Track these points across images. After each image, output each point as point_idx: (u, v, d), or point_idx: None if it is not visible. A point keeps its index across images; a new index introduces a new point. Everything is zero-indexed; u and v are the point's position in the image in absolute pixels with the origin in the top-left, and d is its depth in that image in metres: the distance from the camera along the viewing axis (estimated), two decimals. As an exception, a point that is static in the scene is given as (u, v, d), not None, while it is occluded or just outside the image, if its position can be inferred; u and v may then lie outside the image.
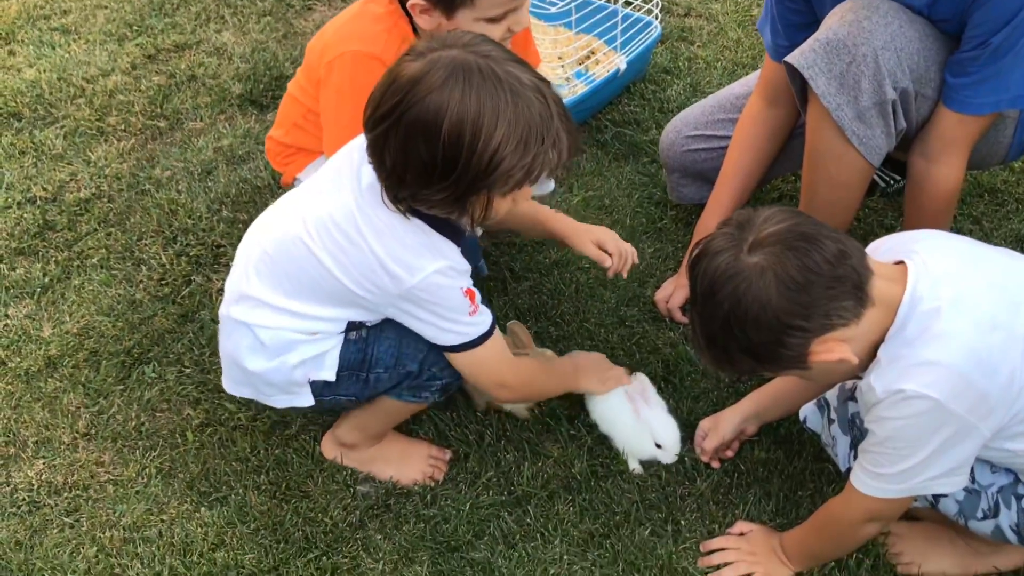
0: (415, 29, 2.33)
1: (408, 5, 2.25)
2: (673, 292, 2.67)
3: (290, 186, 2.70)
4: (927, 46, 2.19)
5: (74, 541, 2.23)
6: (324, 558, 2.17)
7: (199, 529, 2.24)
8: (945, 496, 1.94)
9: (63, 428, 2.46)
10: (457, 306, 1.97)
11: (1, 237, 2.99)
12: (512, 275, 2.82)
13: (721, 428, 2.31)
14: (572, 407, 2.45)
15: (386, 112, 1.75)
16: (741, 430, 2.33)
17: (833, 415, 2.07)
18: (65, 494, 2.32)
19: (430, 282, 1.91)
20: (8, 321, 2.74)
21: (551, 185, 2.94)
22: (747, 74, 3.00)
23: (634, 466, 2.33)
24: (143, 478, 2.36)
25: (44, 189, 3.15)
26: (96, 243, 2.97)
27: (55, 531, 2.25)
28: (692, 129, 2.83)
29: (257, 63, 3.66)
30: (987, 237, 2.84)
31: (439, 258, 1.92)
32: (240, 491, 2.30)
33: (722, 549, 2.16)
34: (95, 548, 2.21)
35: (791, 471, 2.31)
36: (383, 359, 2.10)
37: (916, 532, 2.15)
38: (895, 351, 1.72)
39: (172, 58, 3.75)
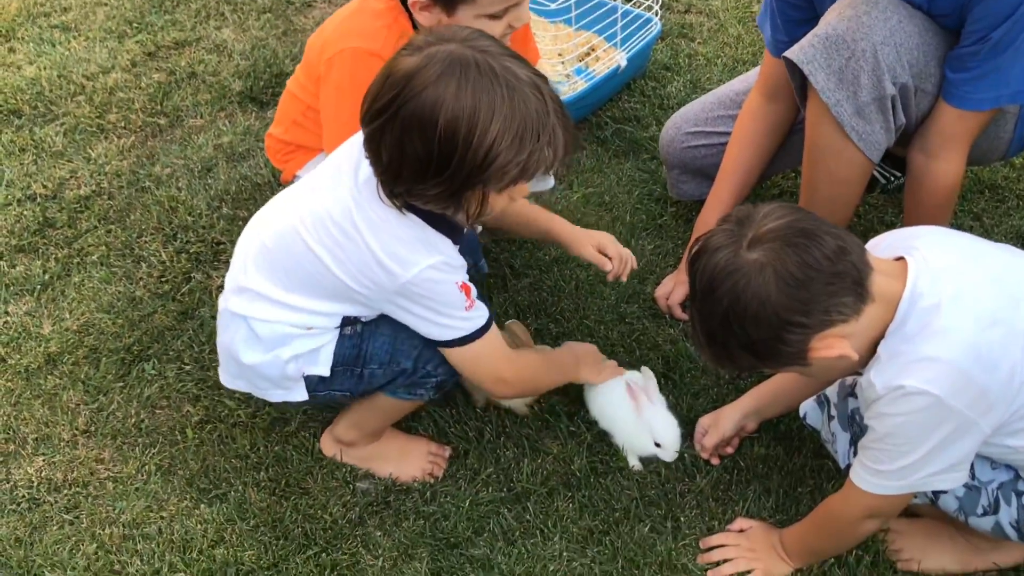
0: (415, 25, 2.33)
1: (408, 2, 2.25)
2: (673, 289, 2.66)
3: (290, 183, 2.69)
4: (926, 41, 2.18)
5: (74, 538, 2.23)
6: (324, 554, 2.17)
7: (199, 526, 2.24)
8: (945, 492, 1.94)
9: (63, 425, 2.46)
10: (452, 301, 1.97)
11: (1, 234, 2.99)
12: (512, 272, 2.82)
13: (721, 425, 2.31)
14: (572, 404, 2.45)
15: (382, 107, 1.75)
16: (741, 427, 2.33)
17: (833, 411, 2.07)
18: (65, 491, 2.32)
19: (424, 277, 1.91)
20: (8, 318, 2.74)
21: (551, 182, 2.94)
22: (747, 71, 2.99)
23: (634, 463, 2.32)
24: (143, 475, 2.36)
25: (44, 186, 3.15)
26: (96, 240, 2.97)
27: (55, 528, 2.25)
28: (692, 126, 2.82)
29: (257, 60, 3.66)
30: (988, 233, 2.84)
31: (434, 253, 1.91)
32: (240, 488, 2.30)
33: (722, 546, 2.15)
34: (95, 545, 2.21)
35: (791, 467, 2.31)
36: (377, 355, 2.09)
37: (916, 529, 2.15)
38: (895, 347, 1.72)
39: (172, 55, 3.75)
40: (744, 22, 3.80)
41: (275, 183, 3.09)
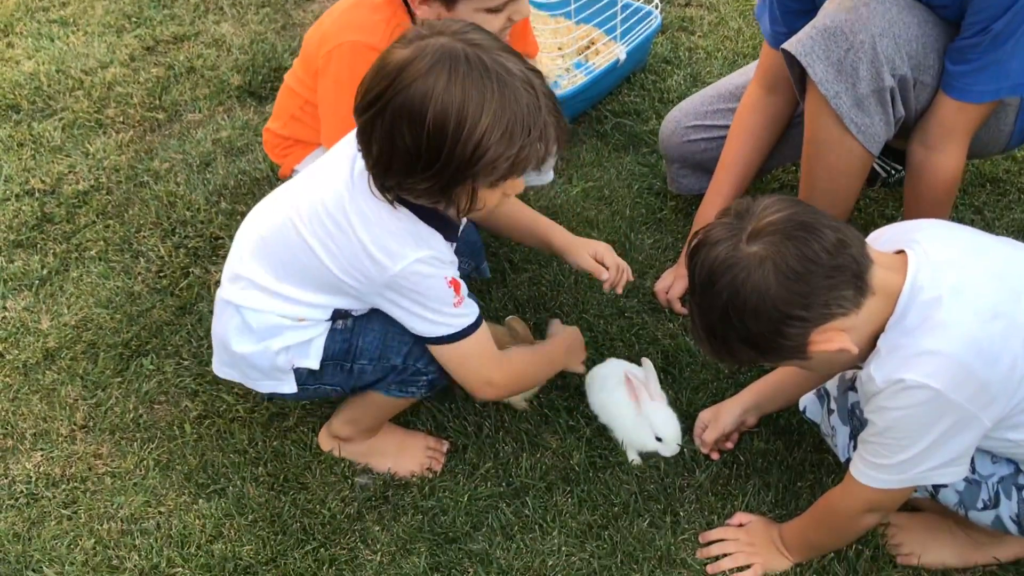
0: (414, 20, 2.32)
1: (408, -4, 2.24)
2: (673, 283, 2.66)
3: (288, 178, 2.68)
4: (926, 32, 2.17)
5: (72, 533, 2.22)
6: (322, 550, 2.17)
7: (197, 521, 2.23)
8: (945, 486, 1.93)
9: (61, 420, 2.45)
10: (441, 296, 1.95)
11: (-1, 229, 2.99)
12: (511, 266, 2.81)
13: (722, 420, 2.30)
14: (571, 398, 2.45)
15: (373, 99, 1.75)
16: (741, 421, 2.32)
17: (833, 405, 2.06)
18: (63, 486, 2.32)
19: (412, 270, 1.90)
20: (6, 313, 2.73)
21: (550, 176, 2.94)
22: (748, 64, 2.98)
23: (633, 457, 2.32)
24: (141, 470, 2.35)
25: (42, 181, 3.15)
26: (94, 235, 2.96)
27: (53, 523, 2.24)
28: (692, 119, 2.81)
29: (256, 54, 3.66)
30: (989, 227, 2.83)
31: (423, 247, 1.91)
32: (238, 483, 2.30)
33: (721, 540, 2.15)
34: (93, 540, 2.21)
35: (790, 462, 2.30)
36: (367, 350, 2.09)
37: (916, 523, 2.14)
38: (895, 341, 1.71)
39: (171, 50, 3.75)
40: (744, 15, 3.79)
41: (273, 178, 3.08)
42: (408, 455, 2.33)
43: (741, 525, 2.17)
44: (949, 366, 1.66)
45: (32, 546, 2.20)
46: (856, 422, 2.00)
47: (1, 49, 3.76)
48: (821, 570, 2.08)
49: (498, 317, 2.62)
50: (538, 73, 1.78)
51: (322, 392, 2.18)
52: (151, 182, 3.14)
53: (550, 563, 2.13)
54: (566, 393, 2.46)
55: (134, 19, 3.91)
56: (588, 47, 3.46)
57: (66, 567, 2.15)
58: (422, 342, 2.04)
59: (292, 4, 3.98)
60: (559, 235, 2.38)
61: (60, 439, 2.42)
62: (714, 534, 2.16)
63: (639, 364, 2.40)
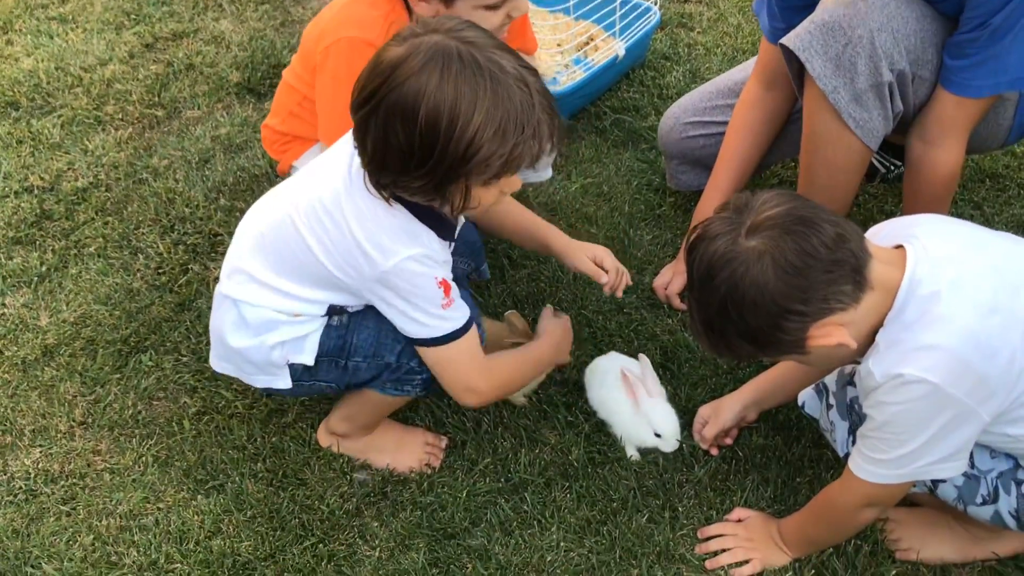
0: (412, 16, 2.31)
1: (407, -8, 2.24)
2: (671, 279, 2.65)
3: (287, 174, 2.69)
4: (924, 27, 2.17)
5: (71, 529, 2.22)
6: (320, 545, 2.17)
7: (196, 517, 2.23)
8: (944, 481, 1.93)
9: (60, 417, 2.45)
10: (429, 296, 1.94)
11: (-2, 226, 2.99)
12: (510, 262, 2.81)
13: (722, 416, 2.30)
14: (570, 394, 2.45)
15: (367, 96, 1.75)
16: (741, 417, 2.32)
17: (832, 400, 2.06)
18: (62, 482, 2.32)
19: (403, 267, 1.90)
20: (5, 310, 2.73)
21: (548, 173, 2.93)
22: (747, 60, 2.97)
23: (632, 453, 2.32)
24: (140, 466, 2.35)
25: (41, 178, 3.15)
26: (93, 232, 2.96)
27: (52, 519, 2.24)
28: (691, 115, 2.81)
29: (255, 51, 3.65)
30: (988, 222, 2.82)
31: (416, 244, 1.90)
32: (237, 479, 2.30)
33: (720, 535, 2.15)
34: (92, 536, 2.21)
35: (789, 457, 2.30)
36: (362, 348, 2.08)
37: (915, 518, 2.14)
38: (894, 335, 1.71)
39: (170, 47, 3.75)
40: (744, 11, 3.78)
41: (272, 174, 3.08)
42: (407, 451, 2.33)
43: (740, 520, 2.17)
44: (948, 360, 1.66)
45: (31, 542, 2.20)
46: (855, 417, 2.00)
47: (0, 46, 3.75)
48: (820, 565, 2.08)
49: (497, 313, 2.62)
50: (533, 71, 1.77)
51: (317, 389, 2.17)
52: (150, 179, 3.14)
53: (548, 559, 2.12)
54: (565, 389, 2.46)
55: (133, 16, 3.91)
56: (587, 43, 3.46)
57: (65, 563, 2.15)
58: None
59: (291, 1, 3.98)
60: (557, 238, 2.37)
61: (59, 435, 2.42)
62: (713, 529, 2.16)
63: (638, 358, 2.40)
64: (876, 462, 1.81)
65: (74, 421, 2.45)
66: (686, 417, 2.36)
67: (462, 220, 2.12)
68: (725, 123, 2.69)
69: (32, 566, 2.16)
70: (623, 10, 3.39)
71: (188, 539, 2.19)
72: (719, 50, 3.60)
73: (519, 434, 2.36)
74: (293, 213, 1.97)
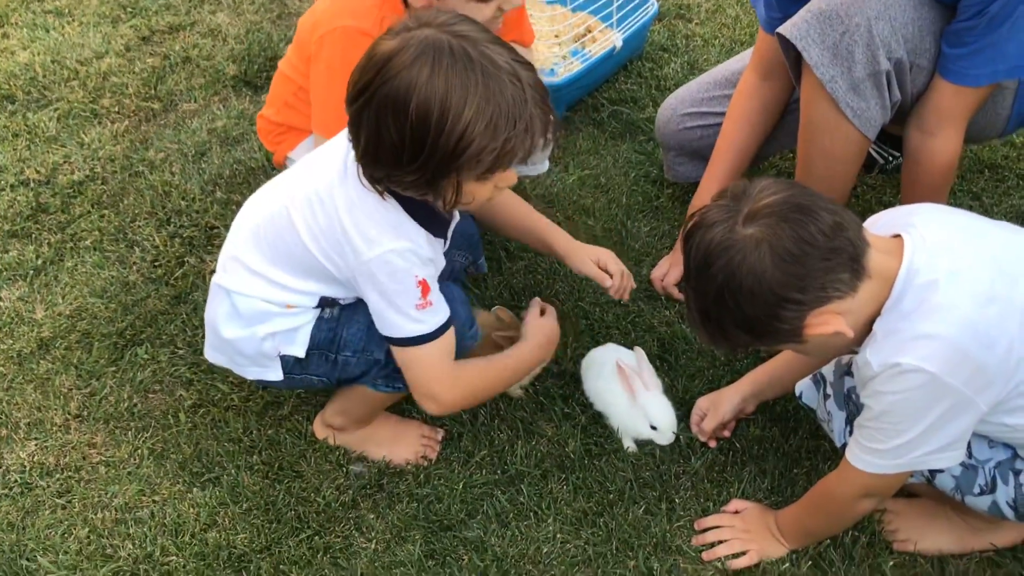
0: (407, 5, 2.30)
1: (400, -18, 2.23)
2: (668, 270, 2.64)
3: (282, 166, 2.68)
4: (922, 15, 2.16)
5: (66, 522, 2.22)
6: (316, 537, 2.16)
7: (191, 510, 2.22)
8: (942, 472, 1.92)
9: (55, 410, 2.45)
10: (406, 292, 1.92)
11: (-6, 219, 2.98)
12: (507, 255, 2.80)
13: (721, 408, 2.29)
14: (566, 386, 2.44)
15: (360, 90, 1.74)
16: (740, 409, 2.31)
17: (829, 390, 2.05)
18: (57, 475, 2.31)
19: (385, 260, 1.89)
20: (1, 303, 2.72)
21: (545, 165, 2.92)
22: (745, 51, 2.96)
23: (628, 444, 2.31)
24: (135, 459, 2.34)
25: (37, 171, 3.14)
26: (89, 225, 2.95)
27: (47, 512, 2.24)
28: (688, 106, 2.80)
29: (251, 44, 3.64)
30: (987, 213, 2.81)
31: (401, 238, 1.89)
32: (232, 471, 2.29)
33: (716, 527, 2.14)
34: (87, 529, 2.20)
35: (787, 449, 2.29)
36: (351, 342, 2.07)
37: (913, 509, 2.13)
38: (891, 324, 1.70)
39: (166, 39, 3.74)
40: (742, 2, 3.77)
41: (269, 167, 3.07)
42: (403, 443, 2.32)
43: (737, 512, 2.17)
44: (945, 350, 1.65)
45: (26, 535, 2.19)
46: (852, 407, 1.99)
47: (-4, 40, 3.75)
48: (817, 557, 2.07)
49: (494, 305, 2.61)
50: (527, 65, 1.76)
51: (308, 382, 2.16)
52: (146, 172, 3.13)
53: (545, 550, 2.12)
54: (562, 381, 2.45)
55: (129, 9, 3.90)
56: (584, 34, 3.44)
57: (60, 556, 2.14)
58: None
59: (288, -7, 3.97)
60: (560, 238, 2.35)
61: (54, 428, 2.41)
62: (710, 521, 2.16)
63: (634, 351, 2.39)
64: (873, 452, 1.80)
65: (69, 414, 2.44)
66: (683, 409, 2.35)
67: (457, 217, 2.10)
68: (722, 114, 2.68)
69: (27, 559, 2.15)
70: (620, 1, 3.37)
71: (184, 532, 2.18)
72: (717, 41, 3.59)
73: (516, 426, 2.35)
74: (289, 204, 1.96)
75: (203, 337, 2.52)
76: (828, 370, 2.07)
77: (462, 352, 2.18)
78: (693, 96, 2.80)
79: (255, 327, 2.05)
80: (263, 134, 2.71)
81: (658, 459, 2.28)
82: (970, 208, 2.83)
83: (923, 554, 2.08)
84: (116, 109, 3.40)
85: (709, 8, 3.77)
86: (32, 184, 3.10)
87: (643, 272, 2.72)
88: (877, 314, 1.72)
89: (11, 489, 2.29)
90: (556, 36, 3.40)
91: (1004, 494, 1.90)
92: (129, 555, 2.15)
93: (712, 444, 2.31)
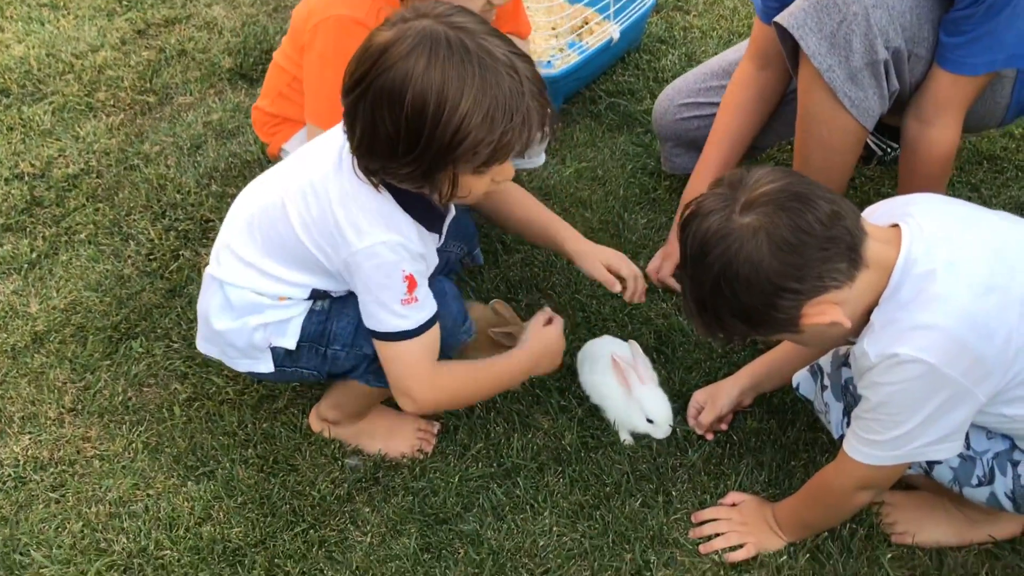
0: (403, -3, 2.29)
1: (394, -28, 2.21)
2: (662, 264, 2.63)
3: (277, 157, 2.67)
4: (920, 4, 2.14)
5: (59, 516, 2.20)
6: (311, 531, 2.15)
7: (186, 503, 2.21)
8: (940, 463, 1.91)
9: (49, 403, 2.43)
10: (392, 286, 1.90)
11: (-12, 213, 2.97)
12: (504, 247, 2.79)
13: (718, 402, 2.28)
14: (563, 379, 2.42)
15: (356, 81, 1.73)
16: (737, 403, 2.30)
17: (826, 381, 2.04)
18: (51, 469, 2.30)
19: (374, 251, 1.87)
20: (-5, 297, 2.72)
21: (542, 158, 2.91)
22: (742, 43, 2.95)
23: (625, 437, 2.30)
24: (130, 453, 2.33)
25: (32, 165, 3.12)
26: (84, 219, 2.94)
27: (40, 506, 2.22)
28: (685, 97, 2.78)
29: (247, 37, 3.63)
30: (986, 204, 2.80)
31: (392, 231, 1.88)
32: (227, 465, 2.28)
33: (713, 520, 2.13)
34: (81, 523, 2.19)
35: (784, 441, 2.28)
36: (341, 336, 2.06)
37: (911, 501, 2.12)
38: (889, 315, 1.69)
39: (162, 33, 3.72)
40: (740, -5, 3.76)
41: (264, 160, 3.06)
42: (399, 436, 2.31)
43: (734, 505, 2.15)
44: (943, 340, 1.64)
45: (20, 529, 2.18)
46: (850, 398, 1.97)
47: (-9, 33, 3.74)
48: (815, 549, 2.06)
49: (490, 298, 2.59)
50: (524, 57, 1.74)
51: (299, 375, 2.15)
52: (141, 165, 3.11)
53: (541, 543, 2.11)
54: (558, 374, 2.43)
55: (125, 2, 3.89)
56: (582, 26, 3.43)
57: (54, 550, 2.13)
58: None
59: (284, -14, 3.95)
60: (570, 238, 2.32)
61: (48, 422, 2.40)
62: (706, 514, 2.14)
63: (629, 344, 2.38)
64: (871, 443, 1.79)
65: (64, 408, 2.43)
66: (680, 401, 2.34)
67: (453, 212, 2.09)
68: (719, 104, 2.66)
69: (21, 553, 2.14)
70: (617, -7, 3.36)
71: (178, 525, 2.17)
72: (715, 33, 3.57)
73: (512, 419, 2.34)
74: (283, 193, 1.95)
75: (197, 330, 2.52)
76: (825, 361, 2.06)
77: (455, 347, 2.17)
78: (690, 87, 2.79)
79: (246, 318, 2.03)
80: (258, 126, 2.70)
81: (655, 452, 2.27)
82: (969, 199, 2.77)
83: (921, 546, 2.07)
84: (111, 102, 3.39)
85: (707, 0, 3.74)
86: (27, 178, 3.08)
87: (640, 264, 2.69)
88: (875, 304, 1.71)
89: (4, 483, 2.28)
90: (553, 28, 3.38)
91: (1002, 485, 1.89)
92: (123, 549, 2.14)
93: (709, 437, 2.30)
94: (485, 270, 2.70)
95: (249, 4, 3.83)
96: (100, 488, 2.26)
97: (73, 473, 2.29)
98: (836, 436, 2.01)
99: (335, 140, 1.93)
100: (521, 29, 2.82)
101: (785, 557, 2.06)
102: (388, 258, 1.88)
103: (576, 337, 2.50)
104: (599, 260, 2.29)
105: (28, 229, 2.92)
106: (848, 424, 1.91)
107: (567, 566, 2.07)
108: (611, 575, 2.06)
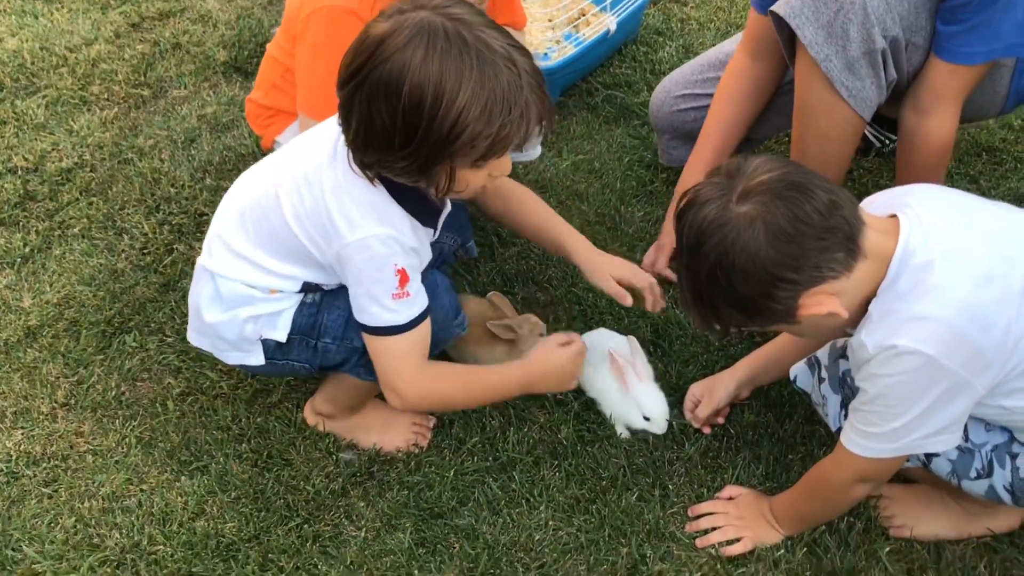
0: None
1: (387, -38, 2.19)
2: (657, 256, 2.61)
3: (270, 150, 2.65)
4: (917, -8, 2.13)
5: (52, 511, 2.19)
6: (306, 526, 2.14)
7: (179, 498, 2.20)
8: (938, 456, 1.89)
9: (42, 398, 2.42)
10: (383, 280, 1.89)
11: (-19, 207, 2.95)
12: (499, 240, 2.77)
13: (715, 395, 2.27)
14: (559, 372, 2.40)
15: (352, 73, 1.71)
16: (734, 396, 2.28)
17: (824, 373, 2.02)
18: (44, 464, 2.28)
19: (365, 244, 1.85)
20: (-13, 292, 2.70)
21: (538, 151, 2.90)
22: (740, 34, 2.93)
23: (621, 431, 2.28)
24: (123, 448, 2.32)
25: (25, 159, 3.11)
26: (78, 213, 2.92)
27: (33, 502, 2.21)
28: (682, 88, 2.77)
29: (242, 30, 3.61)
30: (985, 196, 2.74)
31: (384, 224, 1.86)
32: (221, 460, 2.26)
33: (710, 514, 2.11)
34: (73, 518, 2.17)
35: (781, 434, 2.26)
36: (331, 328, 2.04)
37: (909, 495, 2.10)
38: (887, 306, 1.67)
39: (156, 26, 3.70)
40: (738, -14, 3.74)
41: (259, 153, 3.04)
42: (394, 430, 2.29)
43: (731, 498, 2.14)
44: (942, 331, 1.62)
45: (12, 525, 2.16)
46: (847, 390, 1.96)
47: (-16, 27, 3.72)
48: (812, 543, 2.05)
49: (486, 292, 2.58)
50: (522, 50, 1.73)
51: (290, 368, 2.13)
52: (135, 159, 3.09)
53: (537, 538, 2.09)
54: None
55: (119, -5, 3.87)
56: (578, 18, 3.41)
57: (46, 546, 2.12)
58: None
59: (279, -21, 3.93)
60: (580, 248, 2.27)
61: (41, 417, 2.38)
62: (703, 507, 2.13)
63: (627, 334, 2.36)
64: (869, 436, 1.78)
65: (56, 403, 2.41)
66: (677, 395, 2.32)
67: (448, 207, 2.07)
68: (715, 95, 2.65)
69: (13, 549, 2.12)
70: (614, -16, 3.34)
71: (171, 521, 2.16)
72: (712, 25, 3.56)
73: (507, 412, 2.32)
74: (277, 185, 1.93)
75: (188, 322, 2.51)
76: (823, 353, 2.04)
77: (448, 341, 2.16)
78: (687, 78, 2.77)
79: (236, 310, 2.02)
80: (251, 118, 2.69)
81: (651, 445, 2.25)
82: (967, 191, 2.78)
83: (919, 540, 2.06)
84: (105, 96, 3.37)
85: (704, -8, 3.73)
86: (20, 172, 3.07)
87: (636, 257, 2.69)
88: (873, 295, 1.69)
89: (-3, 478, 2.27)
90: (549, 20, 3.36)
91: (1001, 478, 1.87)
92: (116, 544, 2.12)
93: (706, 431, 2.28)
94: (481, 263, 2.69)
95: (244, -3, 3.81)
96: (93, 483, 2.24)
97: (66, 468, 2.28)
98: (834, 429, 2.00)
99: (330, 131, 1.92)
100: (517, 20, 2.80)
101: (782, 551, 2.04)
102: (380, 251, 1.86)
103: (572, 330, 2.46)
104: (609, 274, 2.24)
105: (21, 223, 2.90)
106: (846, 417, 1.89)
107: (563, 560, 2.06)
108: (607, 569, 2.04)
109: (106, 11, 3.78)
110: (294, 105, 2.49)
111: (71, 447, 2.32)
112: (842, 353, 1.99)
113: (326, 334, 2.04)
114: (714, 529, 2.08)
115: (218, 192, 2.94)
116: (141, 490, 2.22)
